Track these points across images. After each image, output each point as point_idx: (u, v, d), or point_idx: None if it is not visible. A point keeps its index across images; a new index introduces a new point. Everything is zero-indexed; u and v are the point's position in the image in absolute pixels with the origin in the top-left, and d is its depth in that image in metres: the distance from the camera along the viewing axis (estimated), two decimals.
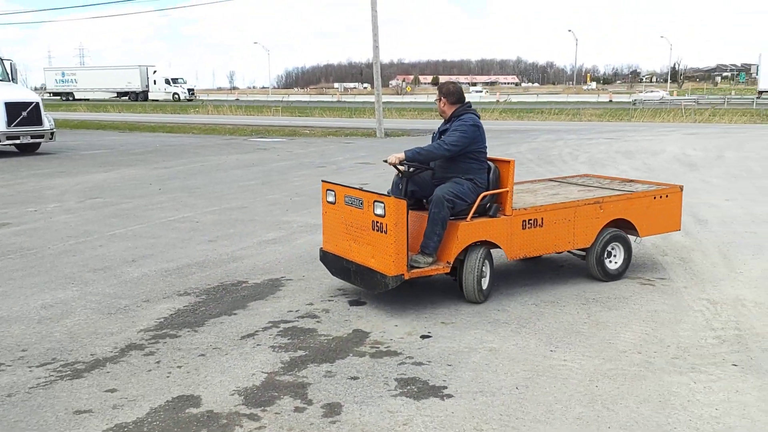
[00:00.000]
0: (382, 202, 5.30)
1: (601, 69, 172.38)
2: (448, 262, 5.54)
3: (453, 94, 5.84)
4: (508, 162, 5.85)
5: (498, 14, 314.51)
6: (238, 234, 8.42)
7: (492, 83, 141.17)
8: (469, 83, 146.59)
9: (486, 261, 5.70)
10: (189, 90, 76.26)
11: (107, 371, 4.36)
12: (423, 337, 4.90)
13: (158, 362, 4.50)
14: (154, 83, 74.87)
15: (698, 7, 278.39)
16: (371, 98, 37.68)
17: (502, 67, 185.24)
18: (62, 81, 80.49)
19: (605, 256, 6.34)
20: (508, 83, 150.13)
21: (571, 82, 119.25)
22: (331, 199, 6.02)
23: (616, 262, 6.41)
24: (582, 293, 5.93)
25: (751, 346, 4.69)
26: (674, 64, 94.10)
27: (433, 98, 70.52)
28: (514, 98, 70.63)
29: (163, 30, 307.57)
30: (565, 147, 20.55)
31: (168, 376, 4.27)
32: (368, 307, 5.59)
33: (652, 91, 77.23)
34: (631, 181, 7.46)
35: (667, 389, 4.02)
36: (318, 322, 5.24)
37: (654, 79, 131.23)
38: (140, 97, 74.37)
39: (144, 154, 19.36)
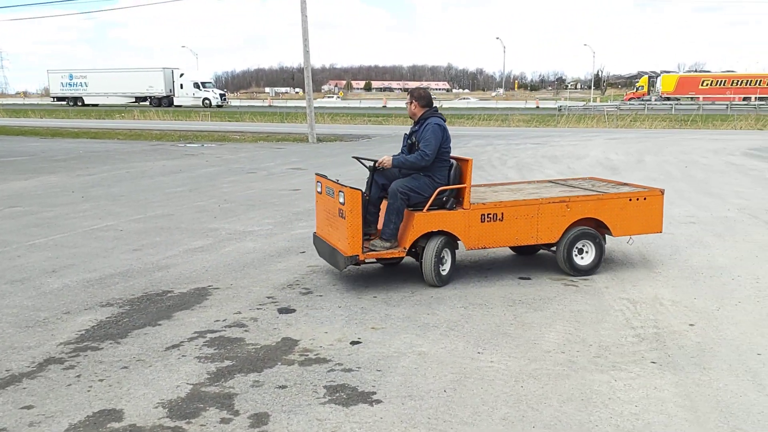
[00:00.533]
0: (342, 192, 5.90)
1: (528, 76, 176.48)
2: (404, 248, 6.15)
3: (423, 98, 6.47)
4: (467, 161, 6.40)
5: (428, 21, 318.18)
6: (164, 242, 8.22)
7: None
8: (401, 89, 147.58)
9: (446, 249, 6.29)
10: (221, 95, 69.30)
11: (23, 387, 4.18)
12: (353, 343, 4.89)
13: (78, 376, 4.34)
14: (181, 87, 67.85)
15: (620, 17, 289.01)
16: (303, 103, 37.50)
17: (434, 74, 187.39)
18: (69, 84, 72.49)
19: (575, 252, 6.63)
20: (440, 89, 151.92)
21: (500, 89, 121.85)
22: (319, 189, 6.63)
23: (586, 259, 6.68)
24: (509, 295, 6.05)
25: (668, 344, 4.87)
26: (597, 71, 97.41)
27: (365, 104, 70.41)
28: (446, 104, 71.46)
29: (88, 33, 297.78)
30: (495, 152, 20.95)
31: (89, 390, 4.13)
32: (298, 314, 5.54)
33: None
34: (625, 184, 7.64)
35: (589, 387, 4.14)
36: (246, 331, 5.16)
37: (578, 86, 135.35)
38: (163, 102, 66.92)
39: (67, 160, 18.69)
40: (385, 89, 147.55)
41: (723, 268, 6.91)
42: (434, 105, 6.51)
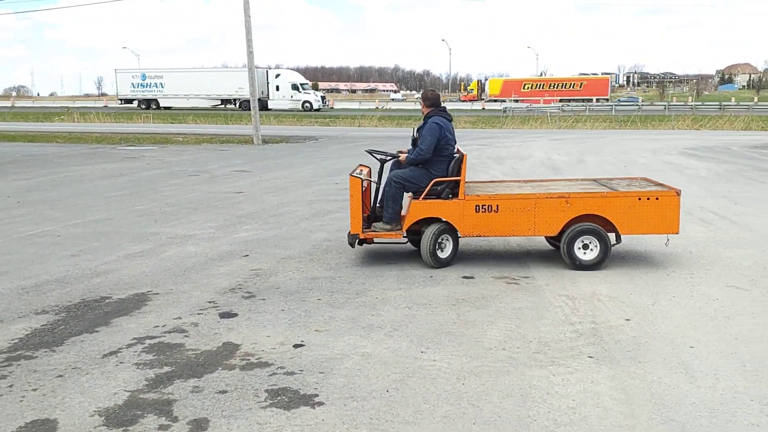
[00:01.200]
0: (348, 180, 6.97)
1: (474, 77, 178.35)
2: (402, 231, 6.99)
3: (428, 99, 7.25)
4: (462, 156, 6.99)
5: (375, 22, 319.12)
6: (103, 247, 8.02)
7: (371, 90, 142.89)
8: (348, 90, 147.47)
9: (446, 236, 6.97)
10: (321, 97, 62.78)
11: None
12: (296, 346, 4.86)
13: (11, 386, 4.20)
14: (277, 89, 60.38)
15: (562, 20, 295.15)
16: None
17: (381, 75, 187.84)
18: (142, 85, 64.43)
19: (578, 247, 6.80)
20: (387, 90, 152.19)
21: (447, 90, 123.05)
22: None
23: (589, 255, 6.82)
24: (453, 294, 6.10)
25: (605, 338, 4.99)
26: (541, 73, 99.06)
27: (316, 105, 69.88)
28: (393, 105, 71.53)
29: (24, 33, 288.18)
30: None
31: (21, 401, 4.00)
32: (240, 318, 5.48)
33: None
34: (660, 184, 7.54)
35: (529, 383, 4.21)
36: (186, 336, 5.08)
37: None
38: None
39: (2, 164, 18.06)
40: (332, 90, 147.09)
41: (658, 264, 7.11)
42: (441, 105, 7.25)
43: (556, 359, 4.59)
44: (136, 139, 27.27)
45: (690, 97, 72.64)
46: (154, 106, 63.17)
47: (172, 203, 11.32)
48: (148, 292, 6.21)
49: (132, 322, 5.40)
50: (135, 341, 4.96)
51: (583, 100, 66.75)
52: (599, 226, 6.86)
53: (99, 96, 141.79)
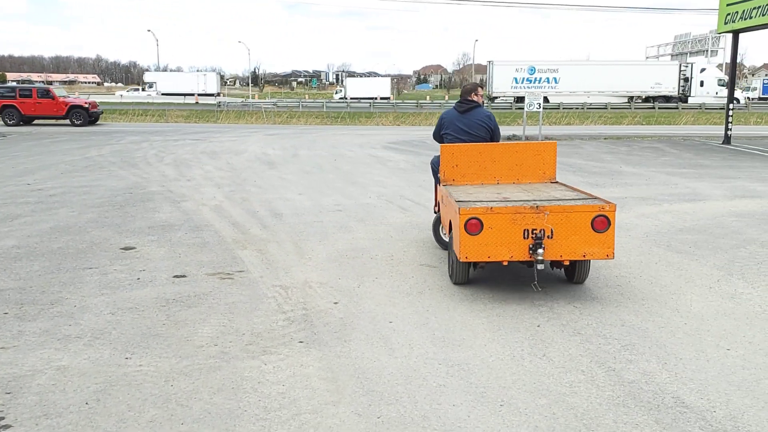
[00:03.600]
0: None
1: (186, 71, 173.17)
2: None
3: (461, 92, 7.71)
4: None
5: (72, 9, 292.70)
6: None
7: (71, 82, 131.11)
8: (43, 82, 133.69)
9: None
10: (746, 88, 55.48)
11: None
12: None
13: None
14: (701, 85, 55.10)
15: (271, 17, 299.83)
16: None
17: (81, 65, 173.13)
18: (528, 80, 54.76)
19: None
20: (89, 82, 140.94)
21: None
22: None
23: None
24: (162, 295, 5.85)
25: (315, 323, 5.18)
26: (255, 69, 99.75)
27: None
28: (97, 98, 66.36)
29: None
30: (151, 149, 20.21)
31: None
32: None
33: None
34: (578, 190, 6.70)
35: (240, 375, 4.20)
36: None
37: (237, 83, 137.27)
38: (672, 102, 53.54)
39: None
40: (24, 82, 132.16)
41: (364, 249, 7.57)
42: (469, 98, 7.43)
43: (268, 348, 4.65)
44: None
45: (392, 96, 78.36)
46: (544, 105, 53.79)
47: None
48: None
49: None
50: None
51: None
52: None
53: None
